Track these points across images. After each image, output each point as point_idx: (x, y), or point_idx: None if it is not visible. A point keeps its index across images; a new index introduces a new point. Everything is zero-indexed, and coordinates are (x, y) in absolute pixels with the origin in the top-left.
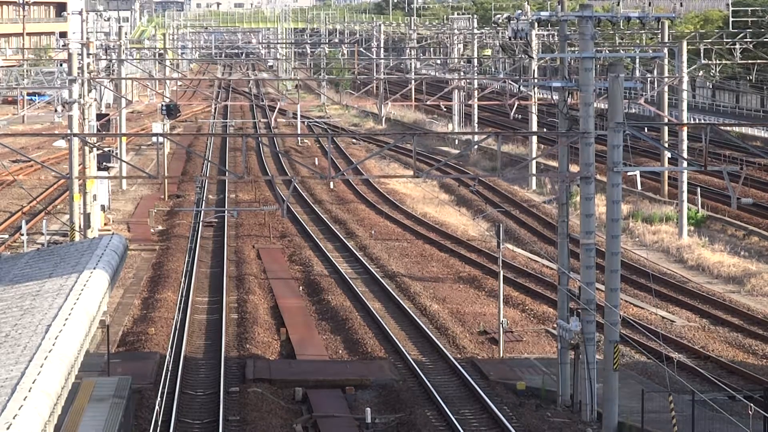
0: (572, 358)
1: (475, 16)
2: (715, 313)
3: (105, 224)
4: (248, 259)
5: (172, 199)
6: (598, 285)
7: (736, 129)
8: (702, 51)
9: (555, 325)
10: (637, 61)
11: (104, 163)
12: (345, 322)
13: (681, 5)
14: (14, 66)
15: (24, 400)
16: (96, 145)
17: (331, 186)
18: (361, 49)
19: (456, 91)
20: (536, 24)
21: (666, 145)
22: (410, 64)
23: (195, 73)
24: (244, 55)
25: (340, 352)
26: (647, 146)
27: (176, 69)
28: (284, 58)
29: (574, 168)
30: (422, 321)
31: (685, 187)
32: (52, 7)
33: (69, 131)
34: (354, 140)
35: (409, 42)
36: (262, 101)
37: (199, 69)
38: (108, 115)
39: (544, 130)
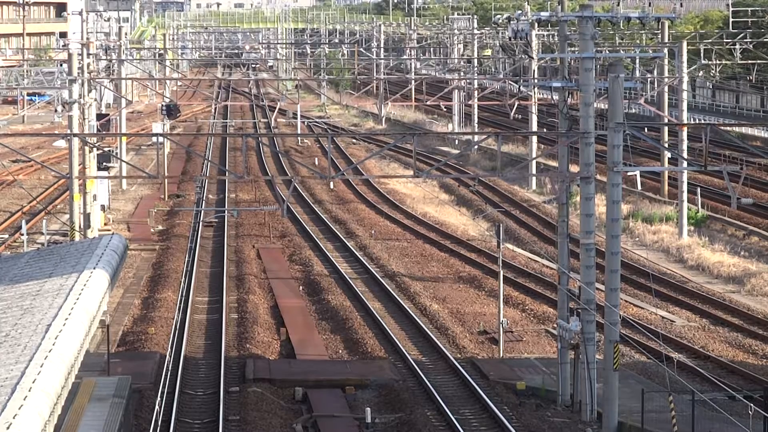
0: (572, 358)
1: (475, 16)
2: (715, 313)
3: (105, 224)
4: (248, 259)
5: (172, 198)
6: (598, 285)
7: (736, 129)
8: (702, 51)
9: (555, 325)
10: (637, 61)
11: (104, 163)
12: (345, 321)
13: (681, 5)
14: (14, 66)
15: (24, 399)
16: (96, 145)
17: (331, 186)
18: (361, 49)
19: (456, 91)
20: (536, 24)
21: (666, 145)
22: (410, 64)
23: (195, 73)
24: (243, 55)
25: (340, 351)
26: (647, 146)
27: (176, 69)
28: (284, 58)
29: (574, 168)
30: (422, 321)
31: (685, 187)
32: (52, 7)
33: (69, 131)
34: (354, 140)
35: (409, 42)
36: (262, 101)
37: (199, 69)
38: (108, 115)
39: (544, 130)
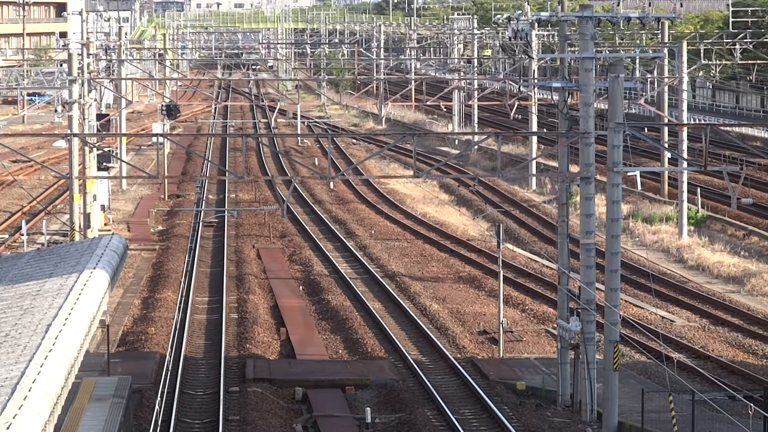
0: (572, 358)
1: (475, 16)
2: (715, 313)
3: (105, 224)
4: (248, 259)
5: (172, 199)
6: (598, 285)
7: (736, 129)
8: (702, 51)
9: (555, 325)
10: (637, 61)
11: (104, 163)
12: (345, 321)
13: (681, 5)
14: (14, 66)
15: (24, 399)
16: (96, 145)
17: (331, 186)
18: (361, 49)
19: (456, 91)
20: (536, 24)
21: (666, 145)
22: (410, 64)
23: (195, 73)
24: (243, 56)
25: (340, 351)
26: (647, 146)
27: (176, 69)
28: (284, 58)
29: (574, 168)
30: (422, 321)
31: (685, 187)
32: (52, 7)
33: (69, 131)
34: (354, 140)
35: (409, 42)
36: (262, 101)
37: (199, 69)
38: (108, 115)
39: (544, 130)
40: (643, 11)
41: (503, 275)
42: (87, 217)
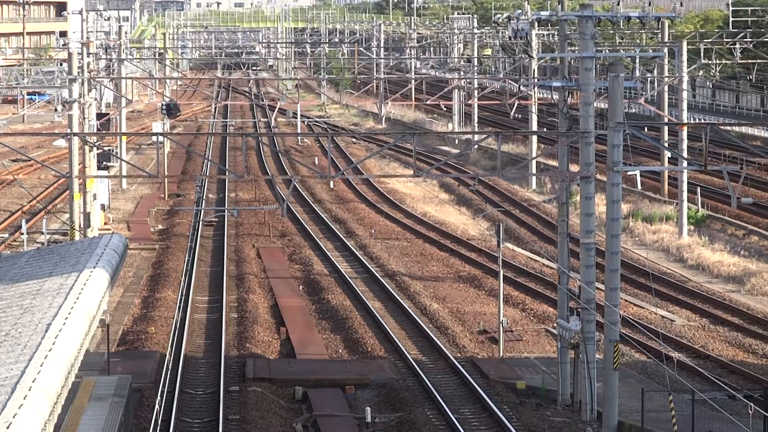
0: (572, 358)
1: (475, 15)
2: (715, 312)
3: (105, 223)
4: (248, 258)
5: (172, 198)
6: (598, 284)
7: (736, 129)
8: (702, 51)
9: (555, 325)
10: (637, 60)
11: (104, 163)
12: (345, 321)
13: (681, 5)
14: (14, 65)
15: (24, 399)
16: (96, 144)
17: (331, 185)
18: (361, 48)
19: (456, 90)
20: (536, 24)
21: (666, 144)
22: (410, 63)
23: (195, 72)
24: (243, 55)
25: (340, 351)
26: (647, 146)
27: (176, 68)
28: (284, 57)
29: (574, 167)
30: (422, 320)
31: (685, 187)
32: (52, 7)
33: (69, 130)
34: (354, 140)
35: (409, 42)
36: (262, 101)
37: (198, 68)
38: (108, 114)
39: (544, 129)
40: (643, 10)
41: (503, 274)
42: (87, 216)
